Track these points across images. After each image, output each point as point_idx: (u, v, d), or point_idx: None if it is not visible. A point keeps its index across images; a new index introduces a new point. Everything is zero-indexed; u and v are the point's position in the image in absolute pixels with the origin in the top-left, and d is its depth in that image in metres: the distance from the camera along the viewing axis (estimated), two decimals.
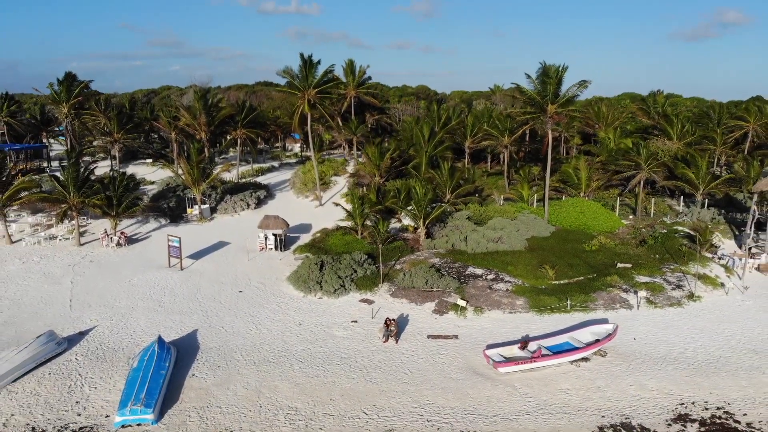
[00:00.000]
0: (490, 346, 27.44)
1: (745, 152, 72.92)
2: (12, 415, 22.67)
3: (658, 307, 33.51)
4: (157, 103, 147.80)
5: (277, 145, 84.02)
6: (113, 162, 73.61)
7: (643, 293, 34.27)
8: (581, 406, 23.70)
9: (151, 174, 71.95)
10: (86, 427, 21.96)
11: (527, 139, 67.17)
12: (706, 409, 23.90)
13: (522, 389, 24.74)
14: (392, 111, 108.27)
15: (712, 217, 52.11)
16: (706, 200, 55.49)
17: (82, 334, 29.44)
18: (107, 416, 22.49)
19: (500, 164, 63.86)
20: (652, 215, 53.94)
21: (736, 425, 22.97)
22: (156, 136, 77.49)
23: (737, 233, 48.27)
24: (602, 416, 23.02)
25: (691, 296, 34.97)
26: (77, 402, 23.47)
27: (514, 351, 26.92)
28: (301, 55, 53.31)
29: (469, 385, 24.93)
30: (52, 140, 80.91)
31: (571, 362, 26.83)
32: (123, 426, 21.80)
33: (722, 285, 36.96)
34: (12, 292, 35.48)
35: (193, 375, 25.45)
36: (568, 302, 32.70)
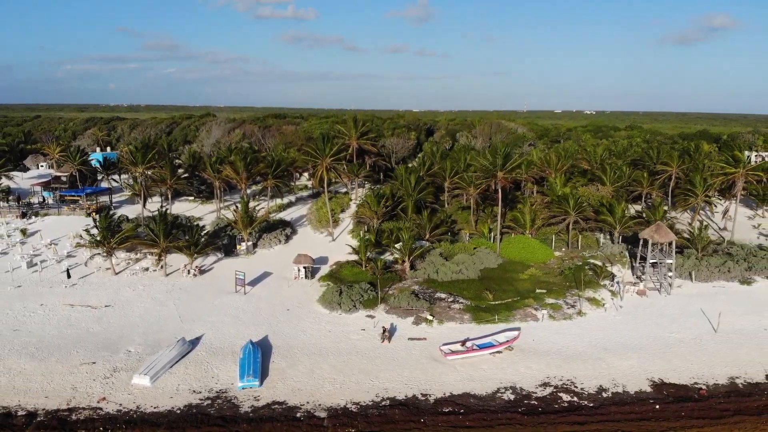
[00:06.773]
0: (444, 344, 46.40)
1: (670, 191, 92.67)
2: (179, 384, 41.47)
3: (556, 320, 52.67)
4: (178, 133, 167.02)
5: (292, 183, 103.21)
6: (162, 199, 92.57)
7: (545, 311, 53.42)
8: (491, 377, 42.79)
9: (194, 209, 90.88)
10: (223, 389, 40.84)
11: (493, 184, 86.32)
12: (560, 380, 42.93)
13: (459, 369, 43.82)
14: (387, 144, 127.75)
15: (620, 251, 71.38)
16: (621, 236, 74.76)
17: (197, 339, 48.26)
18: (232, 383, 41.38)
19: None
20: (580, 248, 73.11)
21: (574, 389, 42.01)
22: (196, 175, 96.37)
23: (634, 264, 67.53)
24: (500, 382, 42.15)
25: (579, 313, 54.16)
26: (212, 377, 42.36)
27: (457, 347, 45.92)
28: (321, 135, 72.58)
29: (430, 366, 44.01)
30: (115, 183, 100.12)
31: (491, 354, 45.83)
32: (243, 388, 40.66)
33: (604, 305, 56.17)
34: (137, 312, 54.17)
35: (273, 362, 44.40)
36: (496, 317, 51.87)
